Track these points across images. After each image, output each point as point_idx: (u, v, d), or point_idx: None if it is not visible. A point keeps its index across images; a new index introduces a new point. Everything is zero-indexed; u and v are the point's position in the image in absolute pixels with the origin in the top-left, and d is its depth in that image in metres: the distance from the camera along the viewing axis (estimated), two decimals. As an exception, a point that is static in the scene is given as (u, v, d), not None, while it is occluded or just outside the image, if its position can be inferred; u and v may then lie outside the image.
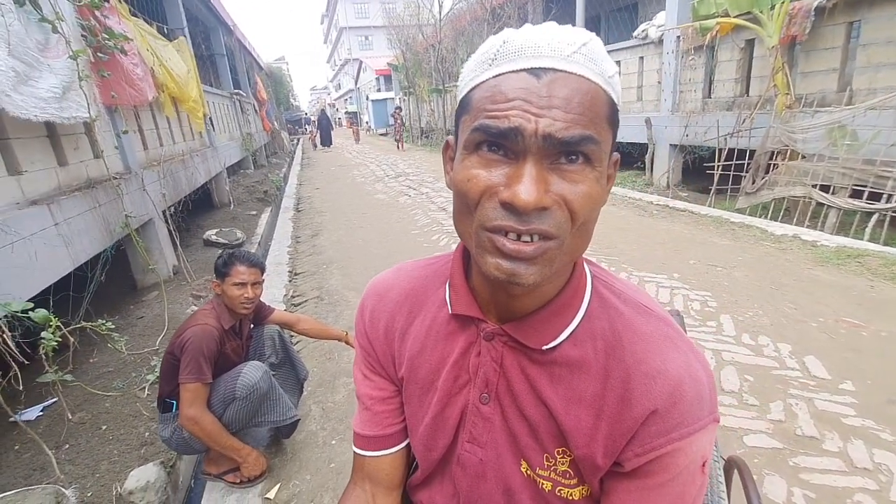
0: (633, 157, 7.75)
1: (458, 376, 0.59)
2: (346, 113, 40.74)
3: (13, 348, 1.86)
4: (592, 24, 11.00)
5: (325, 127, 19.19)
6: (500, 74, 0.45)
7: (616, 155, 0.51)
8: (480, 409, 0.58)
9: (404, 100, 21.54)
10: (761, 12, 5.06)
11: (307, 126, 32.36)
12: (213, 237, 5.28)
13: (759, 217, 5.00)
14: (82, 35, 3.20)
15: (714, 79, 6.26)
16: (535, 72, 0.44)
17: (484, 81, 0.46)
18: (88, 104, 2.90)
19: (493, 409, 0.58)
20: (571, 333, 0.54)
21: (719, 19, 5.61)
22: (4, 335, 1.86)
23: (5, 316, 1.95)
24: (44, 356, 1.97)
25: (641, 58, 7.48)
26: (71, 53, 2.78)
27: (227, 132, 9.33)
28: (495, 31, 11.50)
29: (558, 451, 0.55)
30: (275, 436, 2.04)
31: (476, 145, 0.46)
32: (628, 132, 7.64)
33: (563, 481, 0.55)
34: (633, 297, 0.56)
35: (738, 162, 5.47)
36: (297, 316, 2.26)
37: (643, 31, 7.29)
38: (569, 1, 9.51)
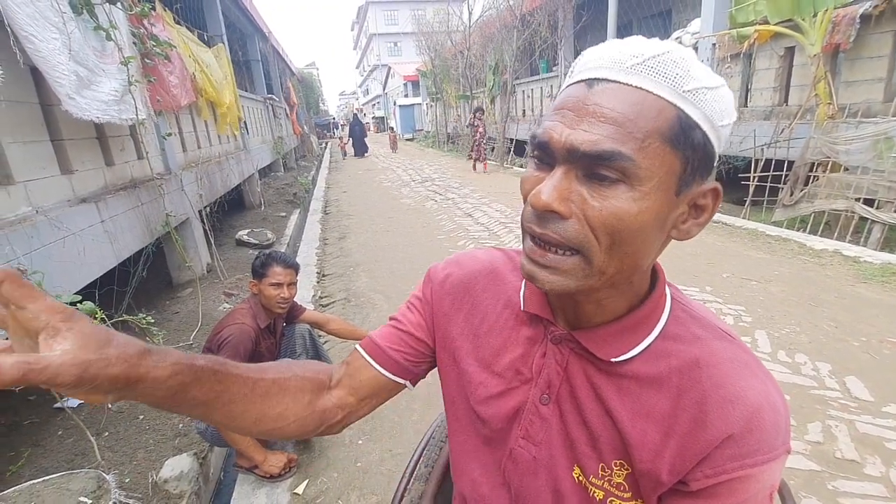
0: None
1: (520, 371, 0.60)
2: (373, 118, 41.33)
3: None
4: (624, 31, 10.87)
5: (358, 134, 17.32)
6: (567, 86, 0.48)
7: (712, 184, 0.48)
8: (539, 409, 0.59)
9: (431, 105, 21.61)
10: (803, 20, 4.91)
11: (335, 130, 32.89)
12: (245, 237, 5.44)
13: (798, 230, 4.83)
14: (133, 42, 3.36)
15: (751, 87, 6.10)
16: (589, 82, 0.45)
17: (562, 90, 0.49)
18: (137, 107, 3.04)
19: (552, 410, 0.58)
20: (644, 350, 0.53)
21: (758, 27, 5.47)
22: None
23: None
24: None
25: None
26: (122, 59, 2.93)
27: (260, 135, 9.59)
28: (525, 37, 11.57)
29: (616, 463, 0.54)
30: (303, 433, 2.08)
31: (531, 153, 0.49)
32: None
33: (616, 493, 0.55)
34: (713, 323, 0.55)
35: (775, 173, 5.30)
36: (326, 316, 2.31)
37: (677, 38, 7.17)
38: (600, 8, 9.44)
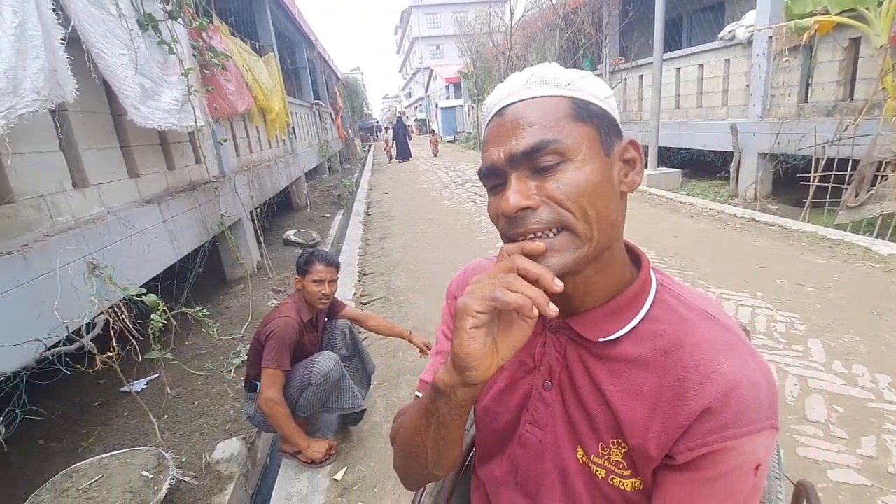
0: (716, 167, 7.28)
1: (525, 362, 0.66)
2: (415, 120, 41.84)
3: (130, 326, 2.15)
4: (673, 26, 10.44)
5: (401, 137, 17.15)
6: (486, 127, 0.59)
7: (627, 139, 0.58)
8: (543, 395, 0.64)
9: (473, 107, 21.64)
10: (867, 9, 4.59)
11: (378, 133, 33.52)
12: (292, 237, 5.68)
13: (863, 234, 4.50)
14: (192, 54, 3.61)
15: (811, 82, 5.74)
16: (500, 112, 0.56)
17: (483, 136, 0.59)
18: (196, 115, 3.27)
19: (554, 395, 0.63)
20: (630, 331, 0.58)
21: (818, 18, 5.15)
22: (123, 315, 2.15)
23: (123, 299, 2.26)
24: (151, 335, 2.26)
25: (727, 60, 7.03)
26: (183, 70, 3.16)
27: (307, 139, 9.97)
28: (568, 35, 11.39)
29: (613, 442, 0.58)
30: (343, 423, 2.18)
31: (486, 187, 0.59)
32: (710, 139, 7.19)
33: (616, 471, 0.58)
34: (698, 305, 0.59)
35: (838, 173, 4.97)
36: (366, 313, 2.40)
37: (730, 31, 6.85)
38: (648, 3, 9.15)
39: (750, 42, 6.42)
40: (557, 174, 0.52)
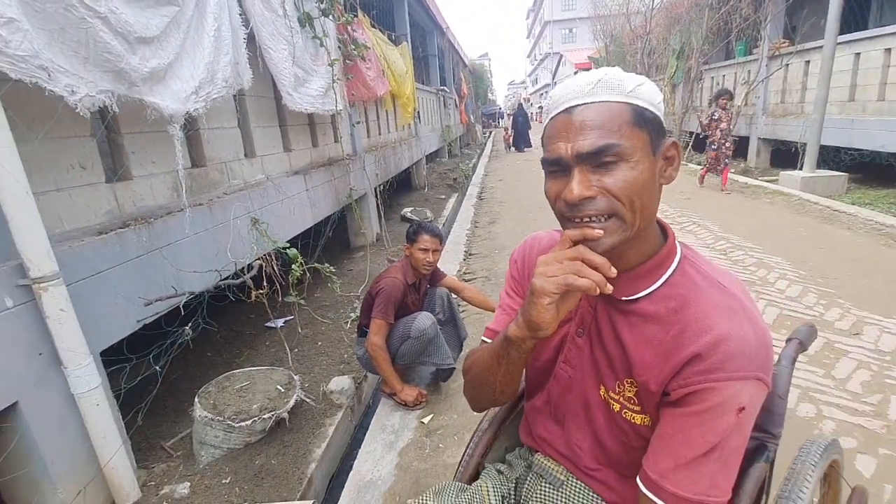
0: (894, 172, 6.05)
1: None
2: (539, 108, 41.01)
3: (277, 272, 2.65)
4: (857, 3, 8.73)
5: (521, 125, 15.80)
6: (551, 118, 0.68)
7: (669, 140, 0.68)
8: (576, 340, 0.79)
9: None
10: None
11: (500, 120, 33.61)
12: (409, 214, 6.16)
13: None
14: (338, 46, 4.13)
15: None
16: (568, 110, 0.65)
17: (546, 125, 0.70)
18: (337, 100, 3.76)
19: (584, 341, 0.78)
20: (650, 294, 0.70)
21: None
22: (273, 263, 2.67)
23: (274, 250, 2.78)
24: (290, 283, 2.75)
25: None
26: (329, 61, 3.66)
27: (430, 124, 10.52)
28: (721, 15, 10.20)
29: (627, 381, 0.71)
30: (435, 377, 2.45)
31: (545, 170, 0.70)
32: (893, 140, 5.95)
33: (628, 405, 0.72)
34: (713, 276, 0.69)
35: None
36: (463, 284, 2.63)
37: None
38: (824, -25, 7.80)
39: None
40: (615, 171, 0.62)
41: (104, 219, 1.86)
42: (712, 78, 11.51)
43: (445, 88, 12.48)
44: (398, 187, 7.13)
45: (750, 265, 3.93)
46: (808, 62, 7.92)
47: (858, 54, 6.70)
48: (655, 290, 0.69)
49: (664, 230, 0.74)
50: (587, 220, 0.64)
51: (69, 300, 1.46)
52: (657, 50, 14.03)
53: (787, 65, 8.43)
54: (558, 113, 0.67)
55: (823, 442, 0.94)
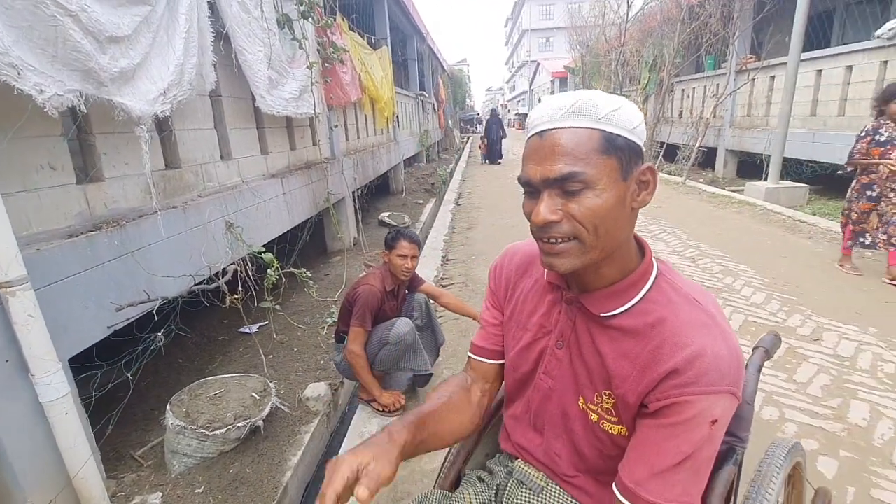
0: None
1: (544, 325, 0.83)
2: (516, 115, 41.52)
3: (251, 277, 2.60)
4: (820, 23, 9.18)
5: (493, 134, 13.65)
6: (528, 138, 0.71)
7: (647, 164, 0.69)
8: (555, 352, 0.81)
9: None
10: None
11: (478, 125, 33.86)
12: (386, 219, 6.15)
13: None
14: (317, 49, 4.10)
15: None
16: (541, 133, 0.67)
17: (526, 142, 0.72)
18: (315, 104, 3.73)
19: (564, 353, 0.80)
20: (627, 309, 0.72)
21: None
22: (247, 267, 2.62)
23: (248, 254, 2.73)
24: (265, 288, 2.71)
25: (884, 62, 5.98)
26: (308, 64, 3.63)
27: (409, 128, 10.53)
28: (692, 30, 10.57)
29: (605, 393, 0.74)
30: (413, 384, 2.45)
31: (524, 189, 0.72)
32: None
33: (606, 417, 0.75)
34: (687, 292, 0.72)
35: None
36: (441, 290, 2.64)
37: (891, 29, 5.90)
38: (787, -5, 8.19)
39: (911, 41, 5.52)
40: (580, 198, 0.64)
41: (74, 221, 1.79)
42: (682, 90, 11.91)
43: (424, 93, 12.51)
44: (376, 191, 7.10)
45: (717, 272, 4.08)
46: (773, 77, 8.30)
47: (821, 71, 7.05)
48: (633, 306, 0.72)
49: (642, 247, 0.76)
50: (551, 241, 0.68)
51: (37, 305, 1.40)
52: (631, 62, 14.43)
53: (754, 79, 8.80)
54: (533, 135, 0.69)
55: (787, 444, 0.99)
